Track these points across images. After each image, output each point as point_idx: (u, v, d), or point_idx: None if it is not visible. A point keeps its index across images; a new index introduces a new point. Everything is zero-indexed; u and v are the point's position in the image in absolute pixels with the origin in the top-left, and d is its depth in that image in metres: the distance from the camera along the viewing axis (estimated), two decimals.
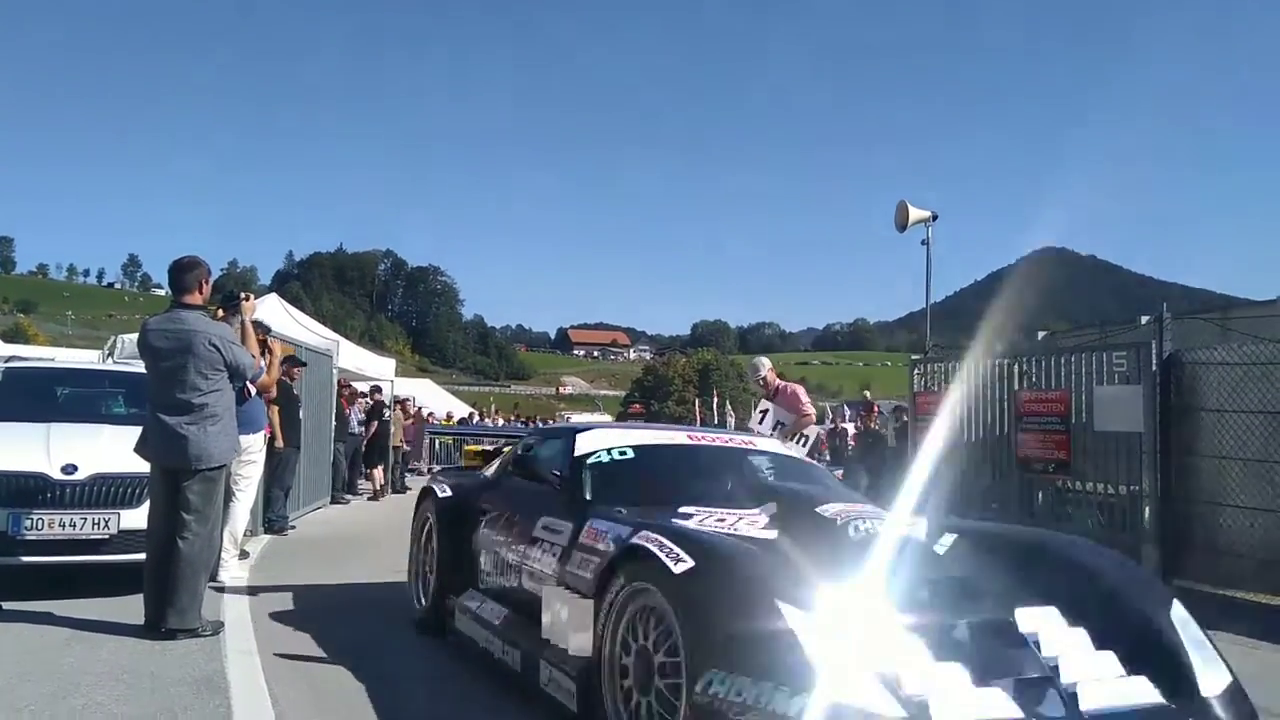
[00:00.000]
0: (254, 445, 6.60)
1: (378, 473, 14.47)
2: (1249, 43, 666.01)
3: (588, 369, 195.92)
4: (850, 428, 26.36)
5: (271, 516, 8.92)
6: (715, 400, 54.29)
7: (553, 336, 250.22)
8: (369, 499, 13.89)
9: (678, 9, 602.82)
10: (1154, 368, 7.97)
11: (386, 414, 15.21)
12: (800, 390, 7.81)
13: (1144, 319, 9.33)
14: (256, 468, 6.80)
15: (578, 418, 46.39)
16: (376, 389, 15.26)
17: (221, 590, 5.81)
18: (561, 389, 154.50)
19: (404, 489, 15.66)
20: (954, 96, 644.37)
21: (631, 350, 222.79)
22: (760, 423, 7.66)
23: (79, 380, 7.84)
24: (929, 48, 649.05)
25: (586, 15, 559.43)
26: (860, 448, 17.70)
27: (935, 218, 12.03)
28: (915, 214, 11.95)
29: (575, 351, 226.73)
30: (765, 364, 7.94)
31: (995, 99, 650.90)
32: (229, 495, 6.48)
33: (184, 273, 4.93)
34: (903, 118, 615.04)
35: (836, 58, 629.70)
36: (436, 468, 23.95)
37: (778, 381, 7.79)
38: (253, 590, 6.01)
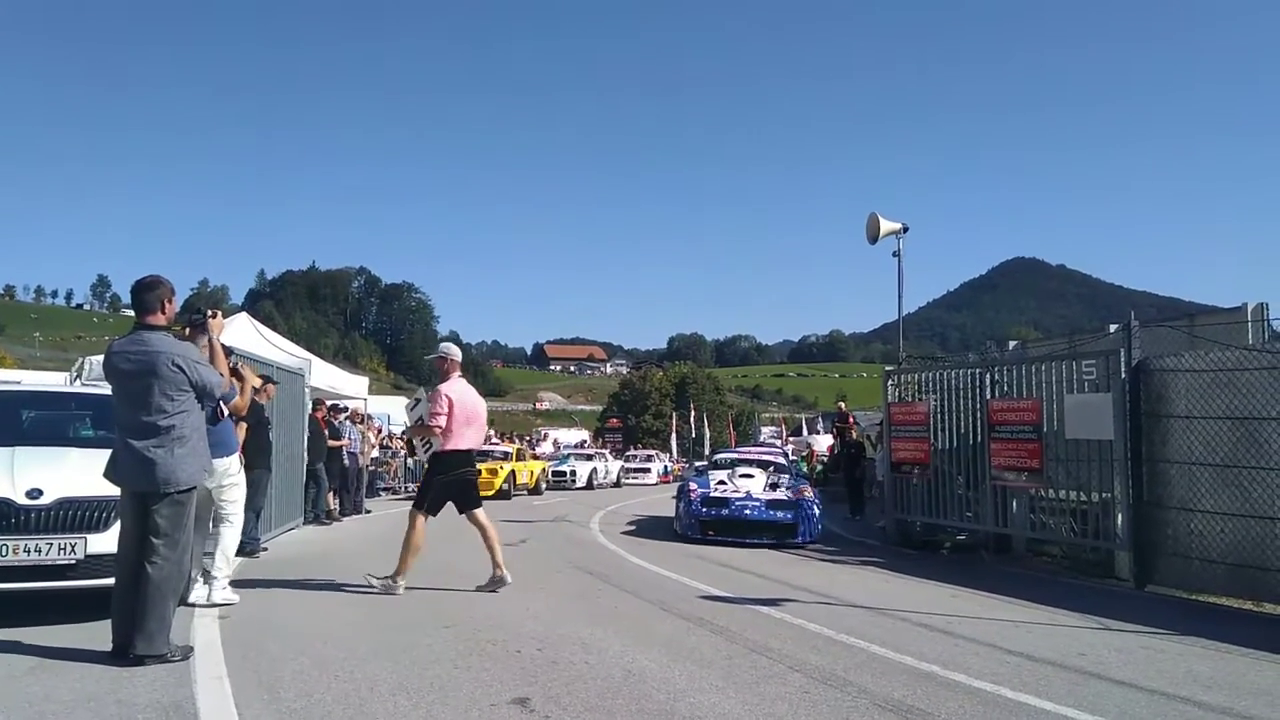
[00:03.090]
0: (231, 467, 6.52)
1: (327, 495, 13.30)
2: (1216, 54, 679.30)
3: (565, 384, 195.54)
4: (827, 439, 26.50)
5: (243, 538, 8.79)
6: (692, 414, 54.57)
7: (529, 352, 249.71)
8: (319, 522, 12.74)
9: (652, 26, 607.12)
10: (1123, 375, 8.08)
11: (347, 431, 14.55)
12: (449, 398, 6.95)
13: (1113, 327, 9.46)
14: (240, 489, 6.71)
15: (555, 434, 46.28)
16: (335, 406, 14.79)
17: (192, 613, 5.72)
18: (538, 405, 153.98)
19: (363, 511, 14.76)
20: (927, 109, 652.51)
21: (608, 365, 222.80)
22: (413, 407, 7.45)
23: (45, 403, 7.69)
24: (902, 60, 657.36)
25: (561, 31, 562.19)
26: (841, 459, 17.70)
27: (906, 229, 12.14)
28: (886, 226, 12.06)
29: (552, 367, 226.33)
30: (455, 351, 7.29)
31: (967, 112, 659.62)
32: (219, 519, 6.42)
33: (146, 292, 4.84)
34: (875, 130, 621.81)
35: (809, 73, 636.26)
36: (412, 487, 23.62)
37: (454, 374, 7.16)
38: (223, 614, 5.92)
